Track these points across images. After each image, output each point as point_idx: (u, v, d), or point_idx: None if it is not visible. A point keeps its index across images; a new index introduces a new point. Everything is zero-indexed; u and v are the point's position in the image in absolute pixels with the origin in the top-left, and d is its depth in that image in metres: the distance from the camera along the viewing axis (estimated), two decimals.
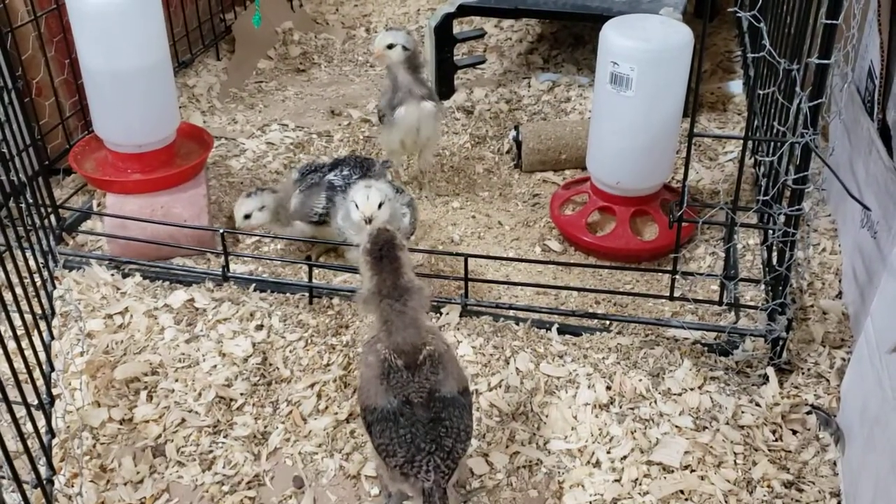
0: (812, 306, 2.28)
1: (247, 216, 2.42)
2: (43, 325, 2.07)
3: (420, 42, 3.76)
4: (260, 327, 2.23)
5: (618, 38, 2.31)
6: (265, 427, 1.97)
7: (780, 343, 2.06)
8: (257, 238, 2.60)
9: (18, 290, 1.86)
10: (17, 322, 1.81)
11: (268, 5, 3.81)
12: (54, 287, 2.30)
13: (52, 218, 2.53)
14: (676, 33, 2.32)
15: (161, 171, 2.51)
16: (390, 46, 2.58)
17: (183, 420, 1.97)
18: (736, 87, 3.48)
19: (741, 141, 2.08)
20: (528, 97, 3.46)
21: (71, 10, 2.32)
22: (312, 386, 2.06)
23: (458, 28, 3.45)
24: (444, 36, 3.32)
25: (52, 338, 2.07)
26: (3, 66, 2.29)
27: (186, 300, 2.32)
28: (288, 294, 2.38)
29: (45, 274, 2.25)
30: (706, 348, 2.17)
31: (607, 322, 2.26)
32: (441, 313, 2.28)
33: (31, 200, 2.30)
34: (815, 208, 2.58)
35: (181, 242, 2.47)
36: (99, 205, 2.66)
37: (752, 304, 2.25)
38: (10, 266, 1.85)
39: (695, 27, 2.32)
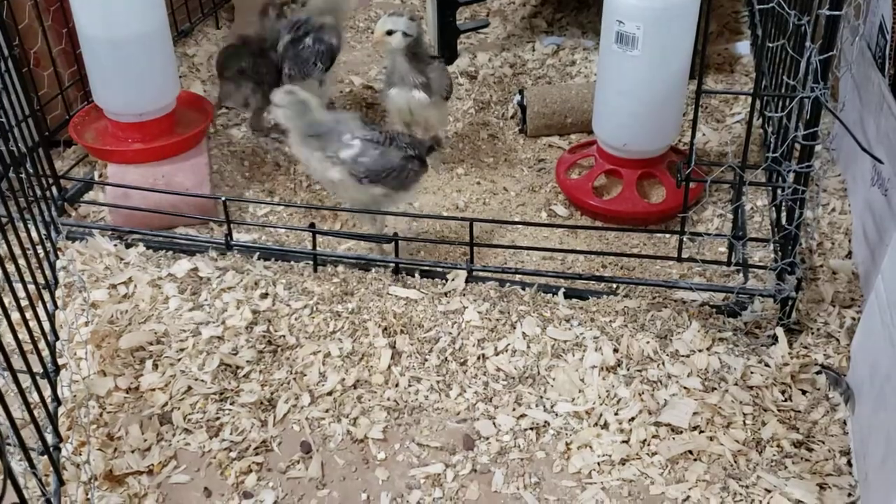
0: (821, 266, 2.25)
1: (390, 32, 2.43)
2: (46, 295, 2.07)
3: (422, 8, 3.71)
4: (265, 295, 2.22)
5: None
6: (272, 394, 1.97)
7: (790, 303, 2.04)
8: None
9: (21, 262, 1.85)
10: (21, 293, 1.81)
11: None
12: (57, 257, 2.29)
13: (54, 189, 2.52)
14: None
15: (162, 140, 2.48)
16: (390, 33, 2.51)
17: (189, 388, 1.97)
18: (743, 48, 3.41)
19: (749, 102, 2.04)
20: (532, 61, 3.40)
21: None
22: (318, 353, 2.06)
23: None
24: (447, 0, 3.26)
25: (57, 307, 2.07)
26: None
27: (190, 269, 2.31)
28: (292, 262, 2.36)
29: (48, 245, 2.24)
30: (714, 310, 2.15)
31: (614, 285, 2.25)
32: (447, 279, 2.27)
33: (31, 171, 2.28)
34: (824, 167, 2.55)
35: (184, 212, 2.45)
36: (101, 175, 2.64)
37: (760, 264, 2.23)
38: (12, 237, 1.85)
39: None
